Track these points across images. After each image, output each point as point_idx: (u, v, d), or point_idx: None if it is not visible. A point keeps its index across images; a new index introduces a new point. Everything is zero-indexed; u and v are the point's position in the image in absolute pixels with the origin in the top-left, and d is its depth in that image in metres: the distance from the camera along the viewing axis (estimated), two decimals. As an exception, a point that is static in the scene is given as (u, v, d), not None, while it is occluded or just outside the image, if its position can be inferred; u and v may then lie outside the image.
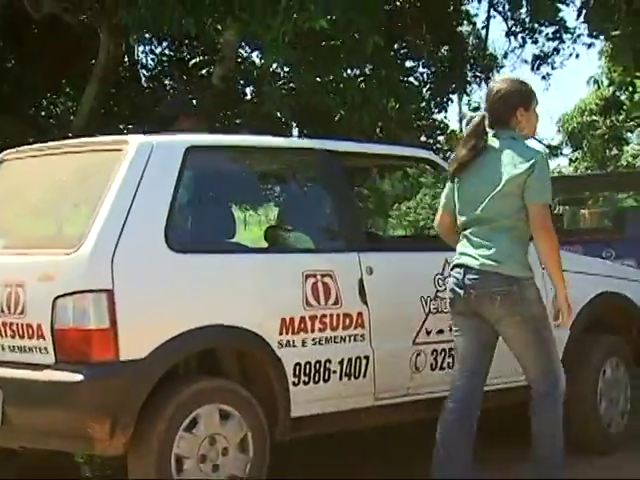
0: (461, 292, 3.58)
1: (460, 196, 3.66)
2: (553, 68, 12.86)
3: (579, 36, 11.37)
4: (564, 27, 10.79)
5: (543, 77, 13.52)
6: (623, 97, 16.10)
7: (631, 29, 8.98)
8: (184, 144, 3.68)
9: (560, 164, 27.15)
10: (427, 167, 4.83)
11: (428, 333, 4.10)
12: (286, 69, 6.01)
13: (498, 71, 14.70)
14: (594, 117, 19.11)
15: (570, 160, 24.36)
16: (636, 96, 15.80)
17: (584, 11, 8.30)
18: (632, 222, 7.53)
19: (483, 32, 12.47)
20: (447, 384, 4.15)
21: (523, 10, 10.31)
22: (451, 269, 3.67)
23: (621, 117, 17.89)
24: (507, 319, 3.53)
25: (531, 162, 3.48)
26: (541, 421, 3.59)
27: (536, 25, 11.24)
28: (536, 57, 12.47)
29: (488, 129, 3.60)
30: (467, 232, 3.62)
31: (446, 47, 9.29)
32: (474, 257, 3.54)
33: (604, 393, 4.64)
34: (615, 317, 4.92)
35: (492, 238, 3.52)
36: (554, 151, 20.13)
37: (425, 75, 10.07)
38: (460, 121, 15.22)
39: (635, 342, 4.97)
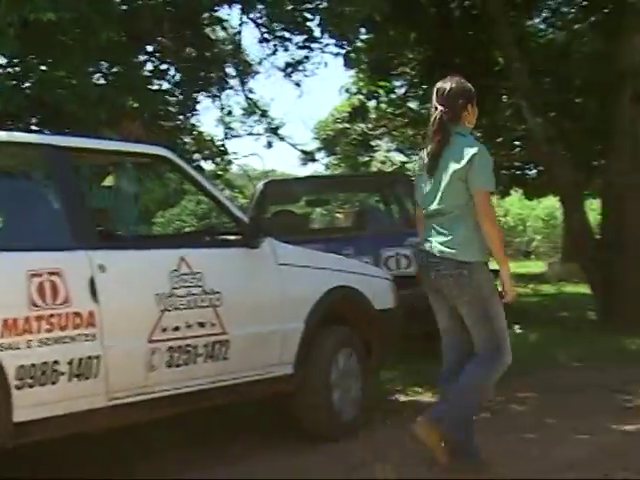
0: (424, 273, 4.10)
1: (421, 189, 4.11)
2: (305, 76, 13.31)
3: (327, 45, 11.80)
4: (312, 36, 11.16)
5: (297, 84, 13.95)
6: (372, 105, 17.00)
7: (367, 39, 9.51)
8: None
9: (317, 170, 28.15)
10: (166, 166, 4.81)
11: (164, 330, 4.08)
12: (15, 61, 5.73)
13: (253, 77, 14.95)
14: (346, 124, 19.99)
15: (326, 166, 25.34)
16: (383, 105, 16.69)
17: (321, 18, 8.63)
18: (371, 220, 7.89)
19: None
20: (186, 380, 4.18)
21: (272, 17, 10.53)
22: (417, 253, 4.21)
23: (370, 125, 18.85)
24: (459, 299, 3.99)
25: (470, 156, 3.91)
26: (472, 373, 3.97)
27: (286, 33, 11.56)
28: (288, 64, 12.84)
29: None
30: (429, 221, 4.09)
31: (193, 50, 9.30)
32: (433, 244, 4.02)
33: (337, 383, 4.85)
34: (348, 309, 5.15)
35: (450, 227, 3.98)
36: (308, 156, 20.78)
37: (177, 77, 10.04)
38: (223, 124, 15.21)
39: (366, 333, 5.24)
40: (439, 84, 4.08)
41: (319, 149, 23.36)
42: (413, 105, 16.68)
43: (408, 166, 20.10)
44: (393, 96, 15.97)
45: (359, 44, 12.08)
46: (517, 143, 19.36)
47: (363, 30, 11.33)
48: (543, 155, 9.67)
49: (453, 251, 3.94)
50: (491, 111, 13.64)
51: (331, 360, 4.84)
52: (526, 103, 9.01)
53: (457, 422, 3.97)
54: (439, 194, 3.98)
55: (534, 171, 18.94)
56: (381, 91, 14.19)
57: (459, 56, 10.98)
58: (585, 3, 13.26)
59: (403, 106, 16.72)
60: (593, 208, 17.15)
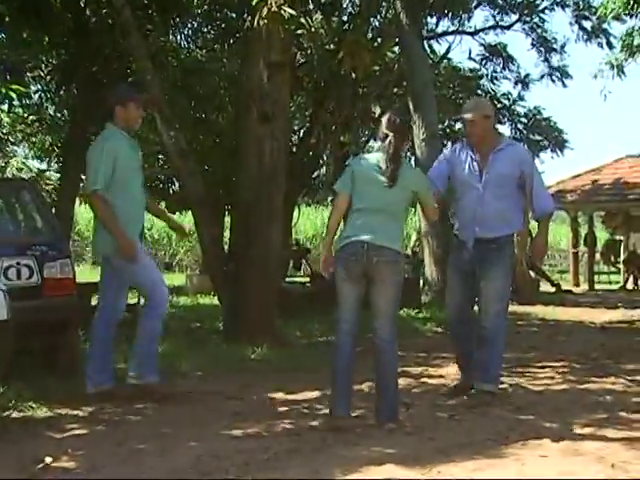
0: (356, 258, 5.04)
1: (367, 187, 5.13)
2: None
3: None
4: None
5: None
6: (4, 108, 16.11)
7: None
8: None
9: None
10: None
11: None
12: None
13: None
14: (-21, 127, 18.76)
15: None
16: (18, 109, 15.88)
17: None
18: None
19: None
20: None
21: None
22: (350, 244, 5.08)
23: (5, 130, 17.88)
24: (389, 278, 5.06)
25: (418, 177, 5.47)
26: (386, 361, 5.12)
27: None
28: None
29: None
30: (368, 216, 5.08)
31: None
32: (377, 236, 5.03)
33: None
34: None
35: (390, 224, 5.09)
36: None
37: None
38: None
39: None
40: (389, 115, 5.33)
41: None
42: (51, 111, 16.09)
43: (47, 174, 19.33)
44: (29, 101, 15.27)
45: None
46: (160, 156, 19.54)
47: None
48: (177, 169, 9.81)
49: (393, 243, 5.06)
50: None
51: None
52: (159, 116, 9.08)
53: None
54: (389, 197, 5.08)
55: (177, 184, 19.22)
56: (14, 95, 13.46)
57: (96, 64, 10.80)
58: (224, 26, 13.81)
59: (40, 112, 16.07)
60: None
